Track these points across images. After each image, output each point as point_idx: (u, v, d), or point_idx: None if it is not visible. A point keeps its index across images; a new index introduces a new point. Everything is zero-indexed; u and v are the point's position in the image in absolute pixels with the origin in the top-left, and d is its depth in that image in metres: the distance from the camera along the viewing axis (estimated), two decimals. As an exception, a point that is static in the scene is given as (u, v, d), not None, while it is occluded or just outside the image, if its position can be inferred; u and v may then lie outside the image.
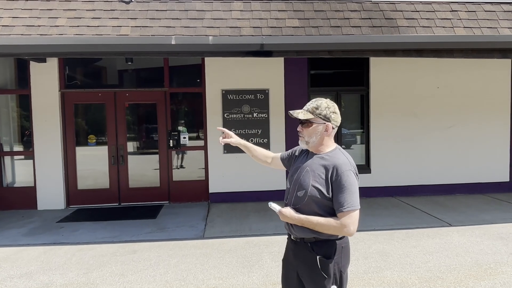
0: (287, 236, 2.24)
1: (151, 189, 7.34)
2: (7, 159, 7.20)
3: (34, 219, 6.37)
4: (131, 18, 5.45)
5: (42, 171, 6.94)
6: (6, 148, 7.19)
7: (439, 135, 7.62)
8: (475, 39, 5.44)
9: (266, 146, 6.97)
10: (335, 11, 5.74)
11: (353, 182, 1.98)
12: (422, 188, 7.63)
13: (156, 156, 7.37)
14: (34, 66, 6.83)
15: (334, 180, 1.98)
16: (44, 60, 6.79)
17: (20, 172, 7.22)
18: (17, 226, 6.00)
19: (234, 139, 2.53)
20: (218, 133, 7.13)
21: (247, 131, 7.13)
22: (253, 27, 5.40)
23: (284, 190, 2.26)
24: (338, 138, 7.43)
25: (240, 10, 5.63)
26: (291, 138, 7.15)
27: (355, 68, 7.61)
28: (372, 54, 5.66)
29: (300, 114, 2.10)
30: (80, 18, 5.39)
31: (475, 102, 7.67)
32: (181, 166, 7.55)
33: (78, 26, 5.29)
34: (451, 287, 3.71)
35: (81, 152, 7.23)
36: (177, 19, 5.49)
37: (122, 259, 4.55)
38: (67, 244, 5.11)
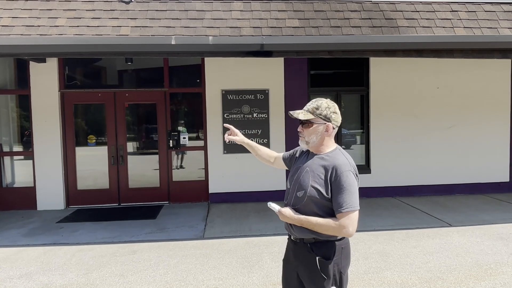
0: (287, 237, 2.23)
1: (151, 189, 7.33)
2: (6, 159, 7.19)
3: (34, 219, 6.36)
4: (131, 18, 5.44)
5: (42, 171, 6.93)
6: (5, 149, 7.18)
7: (439, 135, 7.62)
8: (475, 39, 5.44)
9: (266, 146, 6.86)
10: (335, 11, 5.73)
11: (352, 182, 1.97)
12: (422, 188, 7.62)
13: (156, 156, 7.37)
14: (34, 66, 6.83)
15: (333, 181, 1.98)
16: (44, 60, 6.79)
17: (19, 173, 7.21)
18: (17, 226, 5.99)
19: (239, 137, 2.53)
20: (218, 133, 7.20)
21: (247, 131, 7.13)
22: (253, 27, 5.39)
23: (284, 190, 2.26)
24: (338, 138, 7.43)
25: (240, 10, 5.63)
26: (291, 138, 7.15)
27: (355, 68, 7.60)
28: (372, 54, 5.66)
29: (301, 114, 2.10)
30: (80, 18, 5.39)
31: (475, 102, 7.67)
32: (181, 166, 7.54)
33: (78, 26, 5.28)
34: (452, 287, 3.71)
35: (81, 152, 7.22)
36: (177, 19, 5.49)
37: (122, 259, 4.55)
38: (67, 245, 5.10)
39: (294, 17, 5.60)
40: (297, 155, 2.31)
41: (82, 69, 7.41)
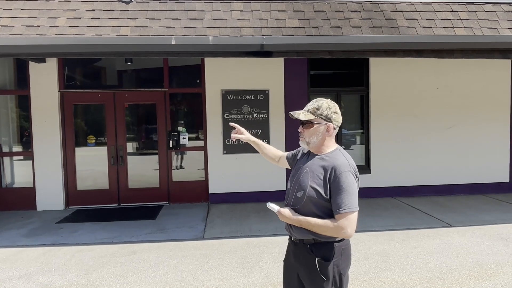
0: (288, 237, 2.22)
1: (150, 189, 7.32)
2: (6, 159, 7.18)
3: (34, 219, 6.35)
4: (131, 18, 5.44)
5: (42, 171, 6.92)
6: (5, 149, 7.17)
7: (439, 135, 7.62)
8: (475, 40, 5.44)
9: (266, 146, 6.96)
10: (335, 11, 5.73)
11: (351, 183, 1.96)
12: (422, 188, 7.62)
13: (156, 157, 7.36)
14: (33, 67, 6.82)
15: (332, 181, 1.97)
16: (43, 60, 6.78)
17: (19, 173, 7.20)
18: (16, 227, 5.98)
19: (245, 135, 2.53)
20: (218, 133, 7.19)
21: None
22: (253, 27, 5.39)
23: (284, 190, 2.25)
24: (338, 139, 7.43)
25: (240, 10, 5.62)
26: (291, 139, 7.15)
27: (355, 69, 7.60)
28: (372, 55, 5.65)
29: (301, 115, 2.08)
30: (80, 18, 5.38)
31: (475, 103, 7.66)
32: (181, 167, 7.53)
33: (77, 26, 5.27)
34: (452, 287, 3.71)
35: (81, 153, 7.21)
36: (177, 19, 5.48)
37: (122, 260, 4.54)
38: (67, 245, 5.09)
39: (294, 17, 5.59)
40: (299, 155, 2.31)
41: (82, 69, 7.40)
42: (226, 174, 7.24)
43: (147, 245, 5.03)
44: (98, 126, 7.32)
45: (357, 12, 5.75)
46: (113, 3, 5.59)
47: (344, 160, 2.02)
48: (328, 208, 1.98)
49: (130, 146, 7.39)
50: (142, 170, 7.41)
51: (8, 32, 5.14)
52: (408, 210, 6.54)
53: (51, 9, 5.45)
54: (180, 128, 7.45)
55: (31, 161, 6.95)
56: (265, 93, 7.24)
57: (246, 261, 4.44)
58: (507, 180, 7.81)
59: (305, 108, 2.12)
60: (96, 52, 5.29)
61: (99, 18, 5.40)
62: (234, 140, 2.53)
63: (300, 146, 2.25)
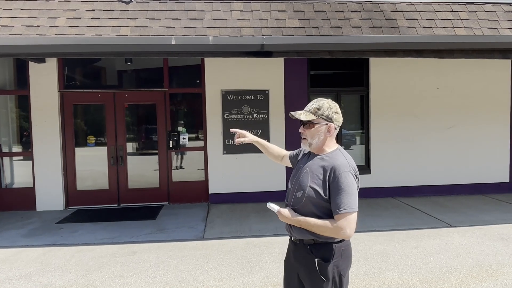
0: (288, 237, 2.22)
1: (150, 190, 7.32)
2: (6, 159, 7.17)
3: (33, 220, 6.34)
4: (130, 18, 5.43)
5: (41, 172, 6.91)
6: (5, 149, 7.16)
7: (439, 135, 7.62)
8: (475, 40, 5.44)
9: (266, 146, 6.95)
10: (336, 11, 5.73)
11: (350, 183, 1.95)
12: (422, 188, 7.62)
13: (156, 157, 7.35)
14: (33, 67, 6.81)
15: (332, 181, 1.96)
16: (43, 61, 6.78)
17: (19, 173, 7.19)
18: (16, 227, 5.97)
19: (248, 138, 2.52)
20: (218, 133, 7.19)
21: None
22: (253, 27, 5.38)
23: (284, 190, 2.25)
24: (338, 139, 7.42)
25: (240, 10, 5.62)
26: (291, 139, 7.14)
27: (355, 69, 7.60)
28: (372, 55, 5.65)
29: (302, 115, 2.07)
30: (80, 18, 5.37)
31: (475, 103, 7.66)
32: (181, 167, 7.53)
33: (77, 26, 5.27)
34: (453, 288, 3.70)
35: (80, 153, 7.20)
36: (177, 19, 5.47)
37: (122, 260, 4.53)
38: (67, 245, 5.09)
39: (294, 17, 5.59)
40: (300, 155, 2.31)
41: (82, 70, 7.39)
42: (226, 174, 7.24)
43: (147, 245, 5.02)
44: (98, 126, 7.31)
45: (357, 12, 5.75)
46: (113, 3, 5.59)
47: (344, 160, 2.01)
48: (327, 208, 1.97)
49: (130, 146, 7.38)
50: (142, 170, 7.41)
51: (8, 32, 5.14)
52: (408, 210, 6.54)
53: (51, 9, 5.44)
54: (180, 128, 7.44)
55: (30, 161, 6.94)
56: (265, 93, 7.24)
57: (246, 261, 4.43)
58: (507, 180, 7.81)
59: (305, 108, 2.11)
60: (96, 52, 5.28)
61: (99, 18, 5.40)
62: (238, 144, 2.51)
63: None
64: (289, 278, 2.19)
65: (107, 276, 4.11)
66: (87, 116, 7.42)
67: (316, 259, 1.98)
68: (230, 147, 7.19)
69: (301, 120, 2.09)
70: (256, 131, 7.18)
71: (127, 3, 5.59)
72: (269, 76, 7.24)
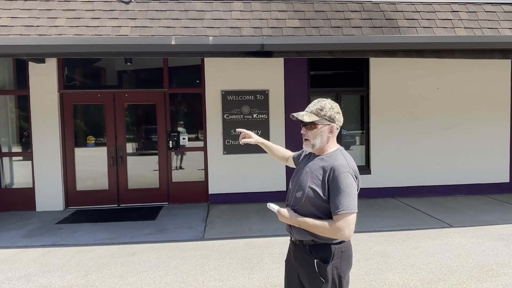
0: (289, 238, 2.21)
1: (150, 190, 7.31)
2: (5, 160, 7.15)
3: (33, 220, 6.33)
4: (130, 18, 5.43)
5: (41, 172, 6.90)
6: (4, 149, 7.15)
7: (439, 136, 7.61)
8: (476, 40, 5.43)
9: (266, 147, 6.94)
10: (336, 11, 5.72)
11: (350, 184, 1.93)
12: (422, 189, 7.61)
13: (156, 157, 7.35)
14: (33, 67, 6.80)
15: (331, 182, 1.95)
16: (43, 61, 6.77)
17: (18, 173, 7.18)
18: (16, 227, 5.96)
19: (254, 138, 2.50)
20: (217, 134, 7.18)
21: (247, 132, 7.10)
22: (254, 27, 5.38)
23: (284, 191, 2.24)
24: (338, 139, 7.40)
25: (240, 11, 5.61)
26: (291, 139, 7.13)
27: (355, 69, 7.59)
28: (373, 55, 5.64)
29: (305, 116, 2.05)
30: (80, 18, 5.37)
31: (475, 103, 7.66)
32: (181, 167, 7.52)
33: (77, 26, 5.26)
34: (453, 289, 3.70)
35: (80, 153, 7.19)
36: (177, 19, 5.47)
37: (122, 261, 4.52)
38: (66, 246, 5.08)
39: (295, 17, 5.58)
40: (302, 156, 2.31)
41: (82, 70, 7.39)
42: (226, 174, 7.23)
43: (147, 246, 5.01)
44: (98, 126, 7.30)
45: (357, 12, 5.74)
46: (113, 3, 5.58)
47: (344, 161, 2.00)
48: (327, 209, 1.97)
49: (130, 147, 7.37)
50: (142, 170, 7.40)
51: (7, 32, 5.13)
52: (408, 211, 6.53)
53: (50, 9, 5.44)
54: (180, 129, 7.43)
55: (30, 162, 6.93)
56: (265, 93, 7.23)
57: (246, 261, 4.42)
58: (507, 180, 7.81)
59: (307, 109, 2.10)
60: (96, 52, 5.27)
61: (99, 18, 5.39)
62: (243, 144, 2.51)
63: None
64: (290, 279, 2.18)
65: (107, 276, 4.10)
66: (87, 116, 7.41)
67: (315, 260, 1.97)
68: (230, 148, 7.18)
69: (303, 121, 2.08)
70: (256, 131, 7.16)
71: (127, 3, 5.58)
72: (269, 76, 7.23)
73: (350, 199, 1.91)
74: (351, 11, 5.74)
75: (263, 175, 7.20)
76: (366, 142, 7.70)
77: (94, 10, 5.49)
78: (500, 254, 4.51)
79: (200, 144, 7.42)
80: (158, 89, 7.24)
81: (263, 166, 7.18)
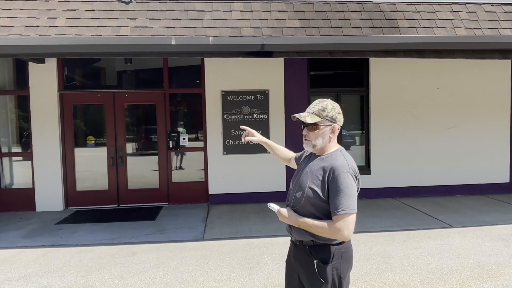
0: (290, 238, 2.21)
1: (150, 190, 7.30)
2: (5, 160, 7.15)
3: (33, 220, 6.32)
4: (130, 19, 5.42)
5: (41, 172, 6.90)
6: (4, 149, 7.14)
7: (439, 136, 7.61)
8: (476, 40, 5.43)
9: (266, 147, 6.94)
10: (336, 11, 5.72)
11: (349, 184, 1.92)
12: (422, 189, 7.61)
13: (156, 157, 7.34)
14: (32, 67, 6.80)
15: (331, 182, 1.94)
16: (43, 61, 6.76)
17: (18, 174, 7.17)
18: (16, 228, 5.95)
19: (257, 137, 2.50)
20: (217, 134, 7.18)
21: (247, 132, 7.10)
22: (254, 28, 5.37)
23: (284, 191, 2.24)
24: (338, 139, 7.40)
25: (241, 11, 5.61)
26: (291, 139, 7.13)
27: (355, 69, 7.59)
28: (373, 55, 5.64)
29: (308, 118, 2.04)
30: (80, 18, 5.36)
31: (475, 103, 7.66)
32: (181, 167, 7.52)
33: (77, 26, 5.26)
34: (454, 289, 3.69)
35: (80, 153, 7.19)
36: (177, 19, 5.46)
37: (122, 261, 4.52)
38: (66, 246, 5.07)
39: (295, 18, 5.58)
40: (303, 156, 2.30)
41: (81, 70, 7.38)
42: (226, 174, 7.23)
43: (146, 246, 5.01)
44: (98, 126, 7.30)
45: (357, 12, 5.74)
46: (113, 3, 5.58)
47: (344, 161, 2.00)
48: (326, 209, 1.96)
49: (130, 147, 7.37)
50: (142, 170, 7.39)
51: (7, 32, 5.12)
52: (408, 211, 6.53)
53: (50, 9, 5.43)
54: (179, 129, 7.43)
55: (30, 162, 6.93)
56: (265, 93, 7.23)
57: (247, 262, 4.42)
58: (507, 180, 7.80)
59: (308, 110, 2.08)
60: (96, 53, 5.27)
61: (99, 18, 5.39)
62: (245, 142, 2.50)
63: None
64: (290, 279, 2.18)
65: (107, 277, 4.09)
66: (87, 117, 7.40)
67: (315, 261, 1.97)
68: (230, 148, 7.18)
69: (304, 122, 2.06)
70: (256, 131, 7.15)
71: (127, 3, 5.58)
72: (269, 76, 7.23)
73: (349, 200, 1.90)
74: (351, 11, 5.74)
75: (263, 175, 7.19)
76: (366, 142, 7.69)
77: (94, 10, 5.48)
78: (500, 255, 4.50)
79: (200, 144, 7.42)
80: (158, 89, 7.24)
81: (263, 166, 7.18)
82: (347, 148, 7.76)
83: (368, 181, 7.31)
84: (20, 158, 7.22)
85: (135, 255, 4.68)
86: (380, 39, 5.29)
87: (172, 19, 5.47)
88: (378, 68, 7.44)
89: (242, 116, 7.19)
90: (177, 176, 7.38)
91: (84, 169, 7.19)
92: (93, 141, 7.25)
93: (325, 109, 2.04)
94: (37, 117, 6.85)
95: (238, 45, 5.13)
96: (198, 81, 7.32)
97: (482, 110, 7.67)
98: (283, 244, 4.85)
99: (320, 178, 1.98)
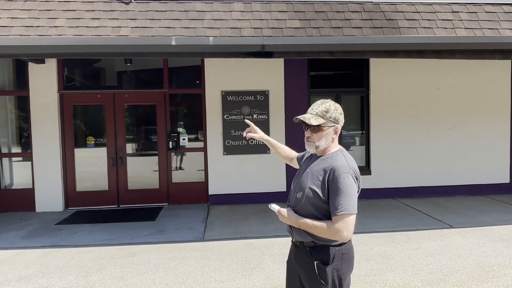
0: (290, 239, 2.20)
1: (150, 191, 7.30)
2: (5, 160, 7.14)
3: (33, 221, 6.32)
4: (130, 19, 5.42)
5: (41, 173, 6.89)
6: (4, 150, 7.14)
7: (439, 136, 7.61)
8: (476, 40, 5.43)
9: (266, 147, 6.94)
10: (336, 12, 5.72)
11: (349, 185, 1.91)
12: (422, 189, 7.60)
13: (155, 158, 7.33)
14: (32, 67, 6.79)
15: (331, 182, 1.94)
16: (42, 61, 6.76)
17: (18, 174, 7.17)
18: (15, 228, 5.94)
19: (259, 134, 2.51)
20: (218, 134, 7.18)
21: (247, 133, 7.10)
22: (254, 28, 5.37)
23: (284, 192, 2.24)
24: (338, 140, 7.39)
25: (241, 11, 5.60)
26: (291, 139, 7.11)
27: (355, 70, 7.59)
28: (373, 55, 5.63)
29: (312, 119, 2.02)
30: (79, 18, 5.36)
31: (475, 103, 7.66)
32: (181, 168, 7.51)
33: (77, 26, 5.25)
34: (454, 289, 3.69)
35: (80, 154, 7.18)
36: (177, 19, 5.46)
37: (122, 262, 4.51)
38: (66, 247, 5.07)
39: (295, 18, 5.58)
40: (304, 157, 2.30)
41: (81, 70, 7.38)
42: (226, 175, 7.22)
43: (146, 247, 5.00)
44: (98, 127, 7.30)
45: (357, 12, 5.74)
46: (113, 3, 5.58)
47: (344, 162, 1.99)
48: (326, 210, 1.95)
49: (130, 147, 7.36)
50: (142, 171, 7.39)
51: (7, 32, 5.12)
52: (408, 211, 6.53)
53: (50, 10, 5.42)
54: (180, 129, 7.43)
55: (30, 162, 6.92)
56: (265, 94, 7.23)
57: (247, 262, 4.41)
58: (507, 181, 7.80)
59: (311, 111, 2.06)
60: (96, 53, 5.26)
61: (99, 18, 5.38)
62: (248, 138, 2.50)
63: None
64: (291, 280, 2.17)
65: (107, 277, 4.09)
66: (87, 117, 7.40)
67: (315, 262, 1.96)
68: (230, 148, 7.18)
69: (307, 124, 2.04)
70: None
71: (127, 3, 5.58)
72: (269, 76, 7.23)
73: (349, 200, 1.89)
74: (352, 12, 5.74)
75: (263, 175, 7.19)
76: (366, 142, 7.69)
77: (94, 10, 5.48)
78: (500, 255, 4.50)
79: (200, 144, 7.41)
80: (158, 89, 7.23)
81: (263, 166, 7.18)
82: (347, 148, 7.75)
83: (368, 182, 7.30)
84: (20, 158, 7.22)
85: (135, 256, 4.68)
86: (380, 39, 5.29)
87: (172, 19, 5.46)
88: (378, 68, 7.44)
89: (242, 116, 7.18)
90: (177, 177, 7.38)
91: (84, 169, 7.19)
92: (93, 142, 7.25)
93: (329, 110, 2.04)
94: (37, 118, 6.84)
95: (238, 46, 5.13)
96: (198, 82, 7.32)
97: (482, 111, 7.67)
98: (283, 245, 4.84)
99: (321, 179, 1.98)
